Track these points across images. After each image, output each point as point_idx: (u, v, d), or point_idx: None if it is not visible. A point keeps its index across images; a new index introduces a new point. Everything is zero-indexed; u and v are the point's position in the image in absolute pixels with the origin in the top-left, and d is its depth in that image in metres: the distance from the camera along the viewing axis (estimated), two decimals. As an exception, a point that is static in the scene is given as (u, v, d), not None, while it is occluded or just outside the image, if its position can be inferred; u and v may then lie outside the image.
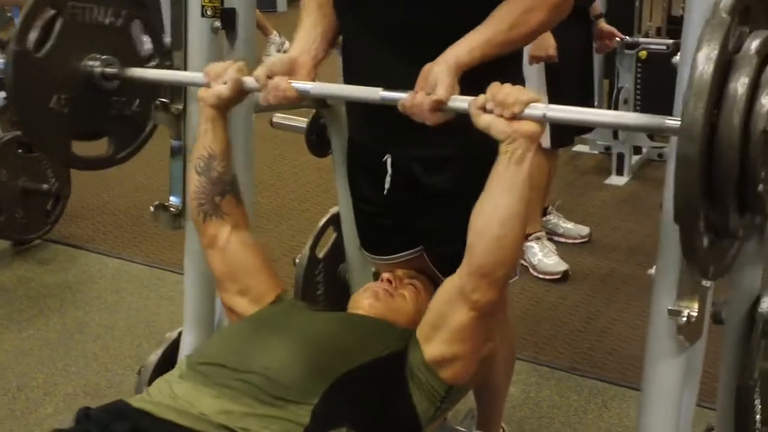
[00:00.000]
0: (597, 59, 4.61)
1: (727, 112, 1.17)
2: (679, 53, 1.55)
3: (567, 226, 4.12)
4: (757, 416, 1.98)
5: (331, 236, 2.78)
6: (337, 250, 2.79)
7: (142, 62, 2.11)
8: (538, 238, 3.79)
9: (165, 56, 2.16)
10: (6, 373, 3.14)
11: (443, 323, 1.68)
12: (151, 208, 2.17)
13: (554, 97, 3.61)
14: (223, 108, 1.86)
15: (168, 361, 2.23)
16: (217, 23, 2.11)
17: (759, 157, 1.20)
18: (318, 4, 1.93)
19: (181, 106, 2.14)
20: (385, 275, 2.01)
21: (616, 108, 4.62)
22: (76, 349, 3.29)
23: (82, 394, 2.98)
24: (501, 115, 1.52)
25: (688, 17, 1.54)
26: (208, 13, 2.09)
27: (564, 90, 3.70)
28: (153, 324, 3.45)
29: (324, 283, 2.80)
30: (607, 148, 4.99)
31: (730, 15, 1.18)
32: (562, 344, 3.21)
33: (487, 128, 1.54)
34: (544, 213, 4.06)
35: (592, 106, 4.14)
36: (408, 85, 1.65)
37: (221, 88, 1.81)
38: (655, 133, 1.31)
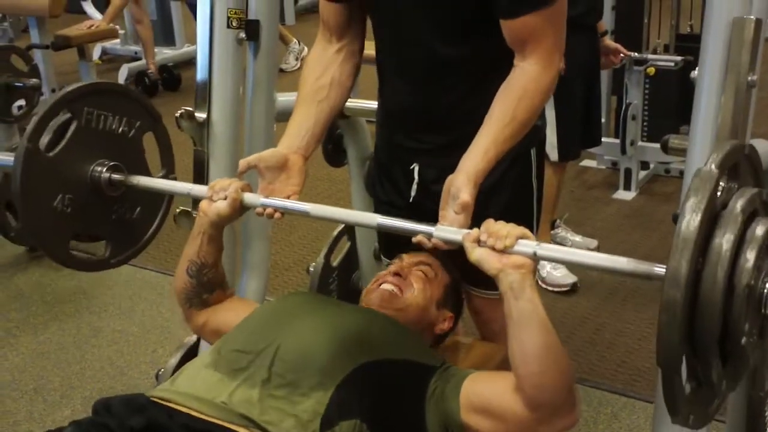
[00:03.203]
0: (605, 76, 4.64)
1: (712, 267, 1.18)
2: (696, 68, 1.60)
3: (575, 239, 4.15)
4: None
5: (345, 245, 2.83)
6: (351, 258, 2.84)
7: (149, 172, 2.12)
8: (546, 251, 3.81)
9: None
10: (23, 375, 3.19)
11: (494, 418, 1.64)
12: (177, 211, 2.20)
13: (561, 110, 3.67)
14: (221, 224, 1.89)
15: (186, 365, 2.28)
16: (242, 34, 2.16)
17: (742, 311, 1.19)
18: (314, 90, 1.94)
19: (205, 115, 2.19)
20: (393, 268, 1.99)
21: (624, 124, 4.64)
22: (91, 353, 3.34)
23: (99, 397, 2.99)
24: (493, 247, 1.53)
25: (705, 35, 1.58)
26: (234, 24, 2.14)
27: (571, 103, 3.74)
28: (167, 330, 3.49)
29: (337, 291, 2.85)
30: (615, 164, 5.02)
31: (719, 170, 1.20)
32: (571, 355, 3.22)
33: (479, 263, 1.55)
34: (553, 226, 4.10)
35: (599, 119, 4.16)
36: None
37: (221, 206, 1.83)
38: (642, 279, 1.34)
